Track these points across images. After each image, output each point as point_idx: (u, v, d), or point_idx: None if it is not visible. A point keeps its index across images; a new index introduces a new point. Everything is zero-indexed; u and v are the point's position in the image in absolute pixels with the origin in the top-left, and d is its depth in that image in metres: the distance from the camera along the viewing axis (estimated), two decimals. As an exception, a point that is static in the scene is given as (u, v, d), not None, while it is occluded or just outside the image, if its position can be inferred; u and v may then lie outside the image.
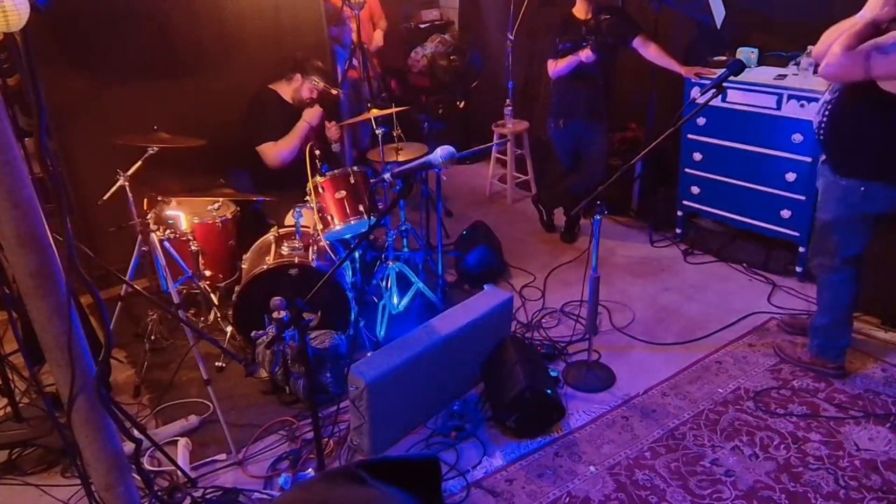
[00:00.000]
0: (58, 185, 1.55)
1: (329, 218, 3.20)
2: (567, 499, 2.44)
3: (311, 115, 3.67)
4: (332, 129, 3.86)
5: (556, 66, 3.96)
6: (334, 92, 3.77)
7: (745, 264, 3.98)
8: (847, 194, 2.70)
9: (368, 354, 2.93)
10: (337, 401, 2.81)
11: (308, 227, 3.25)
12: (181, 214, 3.26)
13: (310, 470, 2.52)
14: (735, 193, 3.90)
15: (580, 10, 3.94)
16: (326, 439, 2.69)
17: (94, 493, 1.84)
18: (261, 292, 2.91)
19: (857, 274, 2.85)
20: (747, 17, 4.07)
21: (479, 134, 5.27)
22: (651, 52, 3.92)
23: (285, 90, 3.76)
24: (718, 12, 3.89)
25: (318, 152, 3.29)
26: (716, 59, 3.97)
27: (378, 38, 5.22)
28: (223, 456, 2.67)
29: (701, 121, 3.92)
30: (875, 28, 2.44)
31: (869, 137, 2.62)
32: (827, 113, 2.67)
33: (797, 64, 3.69)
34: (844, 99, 2.61)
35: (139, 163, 3.02)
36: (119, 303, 3.08)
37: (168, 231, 3.18)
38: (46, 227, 1.47)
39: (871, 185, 2.64)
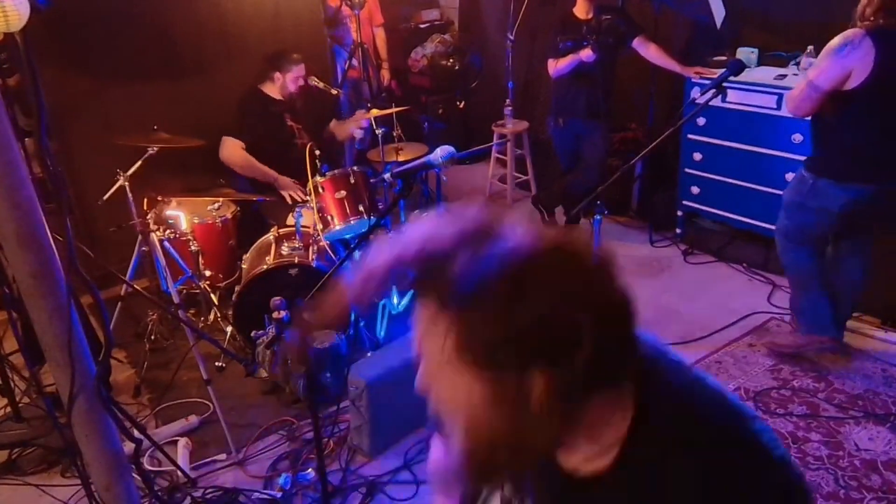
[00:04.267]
0: (58, 185, 1.55)
1: (329, 218, 3.20)
2: (567, 499, 2.44)
3: (285, 184, 3.62)
4: (350, 129, 3.82)
5: (556, 66, 3.96)
6: (334, 92, 3.77)
7: (744, 264, 3.98)
8: (800, 183, 2.83)
9: (368, 354, 2.94)
10: (337, 401, 2.81)
11: (308, 227, 3.25)
12: (181, 214, 3.27)
13: (310, 470, 2.52)
14: (735, 193, 3.90)
15: (581, 10, 3.94)
16: (326, 439, 2.69)
17: (94, 493, 1.84)
18: (261, 292, 2.91)
19: (814, 251, 2.93)
20: (747, 17, 4.07)
21: (479, 134, 5.27)
22: (651, 52, 3.91)
23: (273, 89, 3.74)
24: (718, 12, 3.88)
25: (318, 152, 3.28)
26: (716, 59, 3.97)
27: (385, 75, 5.25)
28: (223, 456, 2.67)
29: (701, 121, 3.92)
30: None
31: (819, 136, 2.77)
32: None
33: (797, 64, 3.68)
34: None
35: (139, 163, 3.02)
36: (119, 303, 3.08)
37: (168, 231, 3.18)
38: (46, 227, 1.47)
39: (818, 180, 2.74)
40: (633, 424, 0.74)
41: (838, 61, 2.51)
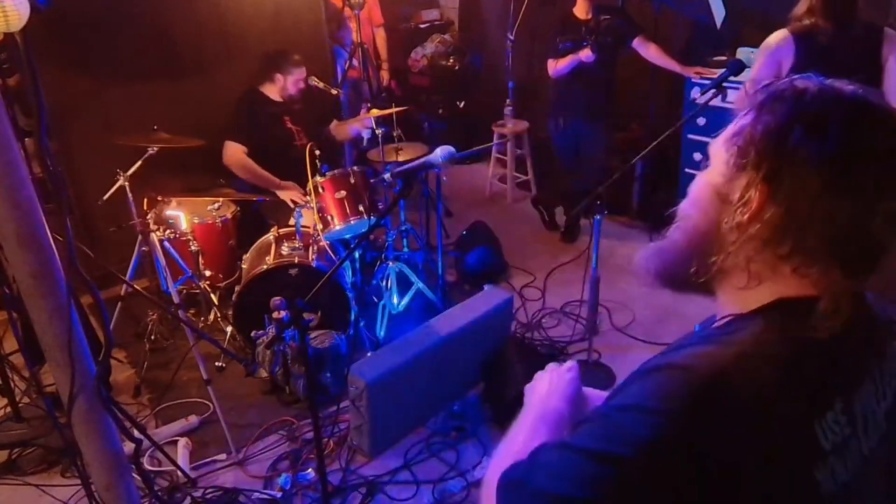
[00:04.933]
0: (58, 185, 1.54)
1: (329, 218, 3.20)
2: (567, 499, 2.44)
3: (287, 194, 3.57)
4: (351, 129, 3.82)
5: (556, 66, 3.96)
6: (334, 92, 3.76)
7: (745, 264, 3.98)
8: None
9: (368, 354, 2.94)
10: (337, 401, 2.81)
11: (308, 227, 3.25)
12: (181, 214, 3.27)
13: (310, 470, 2.52)
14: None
15: (580, 10, 3.95)
16: (326, 439, 2.69)
17: (94, 493, 1.84)
18: (261, 292, 2.91)
19: None
20: (747, 17, 4.07)
21: (479, 134, 5.27)
22: (651, 52, 3.92)
23: (272, 90, 3.72)
24: (718, 12, 3.89)
25: (318, 152, 3.28)
26: (716, 59, 3.97)
27: (385, 76, 5.24)
28: (223, 456, 2.68)
29: (701, 121, 3.92)
30: None
31: None
32: None
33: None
34: None
35: (139, 163, 3.02)
36: (119, 303, 3.08)
37: (168, 231, 3.18)
38: (46, 227, 1.47)
39: None
40: (771, 307, 0.76)
41: (769, 57, 2.72)
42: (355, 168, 3.29)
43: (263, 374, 3.00)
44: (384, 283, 3.54)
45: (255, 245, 3.33)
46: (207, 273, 3.43)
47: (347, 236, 3.34)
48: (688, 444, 0.64)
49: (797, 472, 0.67)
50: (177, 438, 2.71)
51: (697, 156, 4.02)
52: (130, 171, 2.97)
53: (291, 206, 3.48)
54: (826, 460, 0.68)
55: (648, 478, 0.64)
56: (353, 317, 3.20)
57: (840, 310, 0.72)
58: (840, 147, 0.69)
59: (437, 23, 6.17)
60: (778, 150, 0.71)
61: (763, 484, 0.64)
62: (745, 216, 0.73)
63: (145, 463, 2.59)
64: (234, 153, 3.58)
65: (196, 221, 3.39)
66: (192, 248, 3.29)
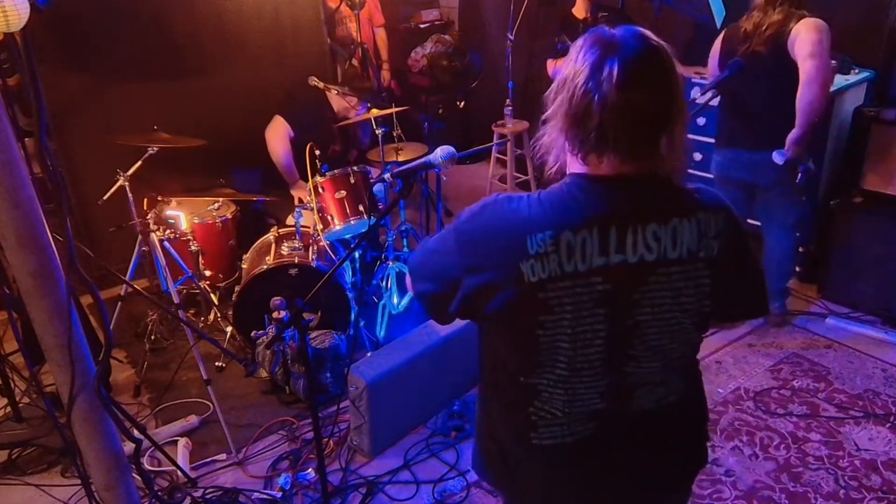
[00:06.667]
0: (58, 185, 1.55)
1: (329, 218, 3.20)
2: (567, 499, 2.44)
3: (298, 192, 3.64)
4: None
5: (555, 66, 3.97)
6: (334, 92, 3.76)
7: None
8: (714, 160, 3.22)
9: (368, 354, 2.94)
10: (337, 401, 2.81)
11: (308, 227, 3.25)
12: (181, 214, 3.27)
13: (310, 470, 2.52)
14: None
15: (579, 10, 3.95)
16: (326, 439, 2.69)
17: (94, 493, 1.84)
18: (261, 292, 2.92)
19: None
20: (747, 17, 4.06)
21: (479, 134, 5.27)
22: (651, 52, 3.91)
23: (335, 99, 3.74)
24: (718, 12, 3.88)
25: (317, 152, 3.28)
26: (716, 59, 3.97)
27: (385, 76, 5.25)
28: (223, 456, 2.68)
29: (701, 121, 3.91)
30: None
31: (721, 109, 3.15)
32: None
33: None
34: None
35: (139, 163, 3.02)
36: (119, 303, 3.08)
37: (168, 231, 3.18)
38: (46, 226, 1.47)
39: (720, 151, 3.16)
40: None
41: (714, 47, 3.02)
42: (355, 168, 3.29)
43: (263, 374, 3.00)
44: (384, 283, 3.54)
45: (255, 245, 3.34)
46: (207, 273, 3.43)
47: (347, 236, 3.34)
48: (471, 227, 1.15)
49: (509, 261, 1.08)
50: (177, 438, 2.71)
51: (698, 156, 4.02)
52: (130, 171, 2.97)
53: (297, 203, 3.48)
54: (529, 260, 1.07)
55: (458, 240, 1.15)
56: (353, 317, 3.20)
57: (558, 170, 1.17)
58: (577, 62, 1.14)
59: (437, 23, 6.16)
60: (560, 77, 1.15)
61: (490, 262, 1.11)
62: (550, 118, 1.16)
63: (145, 463, 2.59)
64: (280, 130, 3.62)
65: (196, 221, 3.39)
66: (192, 248, 3.29)
